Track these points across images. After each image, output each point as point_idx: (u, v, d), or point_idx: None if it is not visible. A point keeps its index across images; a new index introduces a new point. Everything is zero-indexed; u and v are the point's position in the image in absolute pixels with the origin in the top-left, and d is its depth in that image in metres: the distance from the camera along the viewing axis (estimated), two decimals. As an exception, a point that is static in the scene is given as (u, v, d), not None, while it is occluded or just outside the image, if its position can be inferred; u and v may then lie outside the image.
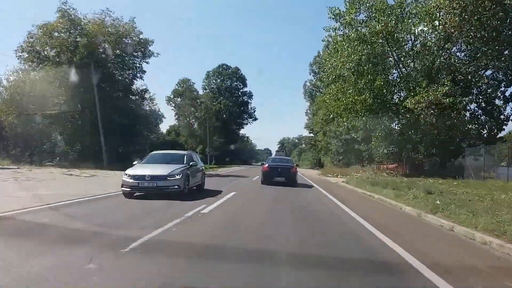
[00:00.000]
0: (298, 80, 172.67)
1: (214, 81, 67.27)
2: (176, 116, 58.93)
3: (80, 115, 21.28)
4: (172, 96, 60.99)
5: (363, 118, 23.51)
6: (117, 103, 21.75)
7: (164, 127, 71.15)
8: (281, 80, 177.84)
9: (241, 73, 68.32)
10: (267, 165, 16.55)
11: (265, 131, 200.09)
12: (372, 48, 22.45)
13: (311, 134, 58.03)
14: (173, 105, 60.96)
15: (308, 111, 54.32)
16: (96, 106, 20.26)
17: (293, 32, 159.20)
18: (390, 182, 14.49)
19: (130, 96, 24.21)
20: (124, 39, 23.04)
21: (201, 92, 63.32)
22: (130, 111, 22.90)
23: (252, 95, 70.74)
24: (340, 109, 23.42)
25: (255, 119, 71.97)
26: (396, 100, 23.94)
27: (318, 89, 49.44)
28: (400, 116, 24.02)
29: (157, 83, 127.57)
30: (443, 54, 22.40)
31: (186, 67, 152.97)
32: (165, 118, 71.75)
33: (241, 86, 69.43)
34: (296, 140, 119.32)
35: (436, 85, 21.09)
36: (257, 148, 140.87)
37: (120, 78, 23.09)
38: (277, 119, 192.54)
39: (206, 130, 50.63)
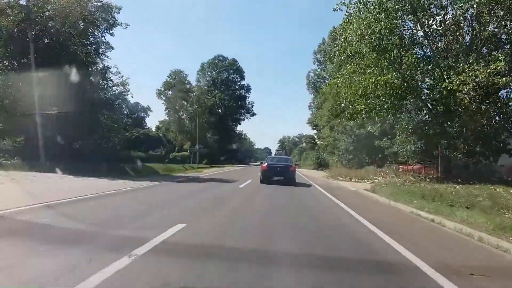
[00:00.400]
0: (300, 75, 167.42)
1: (209, 73, 61.85)
2: (167, 111, 53.76)
3: (14, 100, 16.04)
4: (163, 89, 55.82)
5: (385, 106, 18.39)
6: (68, 84, 16.54)
7: (155, 123, 66.01)
8: (281, 77, 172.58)
9: (239, 65, 62.98)
10: (266, 164, 16.48)
11: (265, 130, 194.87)
12: (394, 18, 17.47)
13: (315, 131, 52.90)
14: (164, 98, 55.81)
15: (312, 104, 49.13)
16: (32, 86, 15.16)
17: (294, 21, 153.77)
18: (447, 192, 9.35)
19: (91, 78, 18.85)
20: (81, 2, 17.84)
21: (195, 85, 58.19)
22: (86, 95, 17.66)
23: (250, 88, 65.25)
24: (357, 93, 18.30)
25: (253, 114, 66.56)
26: (428, 83, 18.82)
27: (323, 79, 44.31)
28: (433, 103, 18.98)
29: (153, 78, 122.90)
30: (493, 20, 17.25)
31: (182, 61, 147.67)
32: (151, 111, 65.56)
33: (239, 79, 64.07)
34: (297, 139, 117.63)
35: (485, 61, 16.06)
36: (256, 147, 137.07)
37: (74, 51, 17.78)
38: (277, 117, 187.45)
39: (197, 125, 45.48)
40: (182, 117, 49.93)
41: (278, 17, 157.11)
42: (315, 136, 53.33)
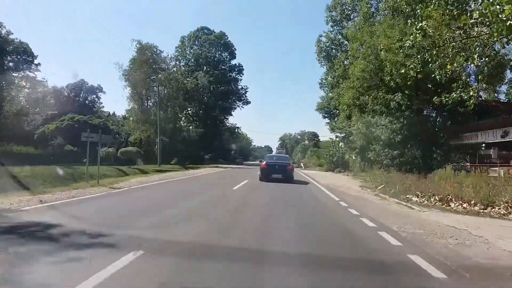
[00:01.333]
0: (300, 74, 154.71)
1: (190, 49, 49.29)
2: (132, 95, 41.35)
3: None
4: (130, 67, 43.31)
5: None
6: None
7: (120, 112, 51.67)
8: (281, 76, 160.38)
9: (228, 39, 50.24)
10: (265, 162, 17.15)
11: (267, 129, 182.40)
12: None
13: (327, 120, 40.61)
14: (131, 80, 43.34)
15: (324, 81, 36.55)
16: None
17: (294, 19, 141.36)
18: None
19: None
20: None
21: (166, 56, 45.39)
22: None
23: (243, 69, 52.43)
24: None
25: (247, 102, 53.90)
26: None
27: (340, 46, 32.00)
28: None
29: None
30: None
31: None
32: (104, 92, 48.11)
33: (228, 58, 51.44)
34: (299, 136, 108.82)
35: None
36: (255, 145, 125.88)
37: None
38: (279, 115, 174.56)
39: (167, 111, 33.38)
40: (147, 102, 37.74)
41: (279, 15, 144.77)
42: (328, 127, 40.96)
